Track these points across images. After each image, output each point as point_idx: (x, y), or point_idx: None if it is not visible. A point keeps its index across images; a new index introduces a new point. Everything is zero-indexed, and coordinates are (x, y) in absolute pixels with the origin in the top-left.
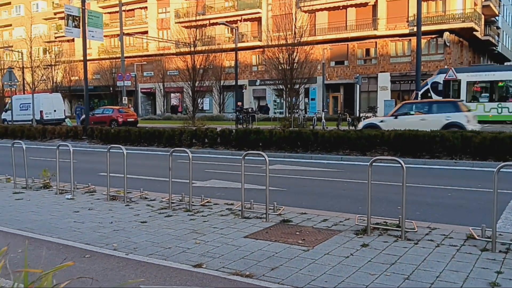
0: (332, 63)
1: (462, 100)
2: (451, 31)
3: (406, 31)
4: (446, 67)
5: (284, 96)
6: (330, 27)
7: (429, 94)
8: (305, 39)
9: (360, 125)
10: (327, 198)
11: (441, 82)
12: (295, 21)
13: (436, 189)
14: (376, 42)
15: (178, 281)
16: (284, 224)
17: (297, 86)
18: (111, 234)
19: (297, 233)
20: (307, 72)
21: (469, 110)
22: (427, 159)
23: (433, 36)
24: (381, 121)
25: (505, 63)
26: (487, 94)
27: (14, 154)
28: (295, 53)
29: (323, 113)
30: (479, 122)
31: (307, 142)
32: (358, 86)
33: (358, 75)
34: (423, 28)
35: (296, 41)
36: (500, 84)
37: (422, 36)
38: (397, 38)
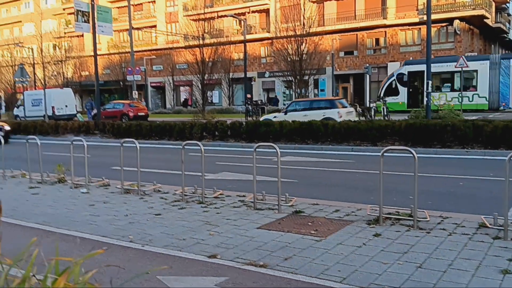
0: (342, 54)
1: (342, 99)
2: (462, 19)
3: (416, 19)
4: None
5: (294, 87)
6: (339, 17)
7: (393, 86)
8: (314, 30)
9: (261, 119)
10: (338, 189)
11: (406, 73)
12: (304, 12)
13: (447, 179)
14: (385, 32)
15: (194, 271)
16: (297, 215)
17: (306, 77)
18: (127, 226)
19: (310, 223)
20: (316, 63)
21: (344, 107)
22: (438, 149)
23: (443, 24)
24: (275, 117)
25: (468, 54)
26: (449, 84)
27: (28, 149)
28: (304, 44)
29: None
30: (441, 111)
31: (317, 133)
32: (368, 76)
33: (367, 65)
34: (433, 17)
35: (304, 32)
36: (460, 74)
37: (432, 25)
38: (407, 27)
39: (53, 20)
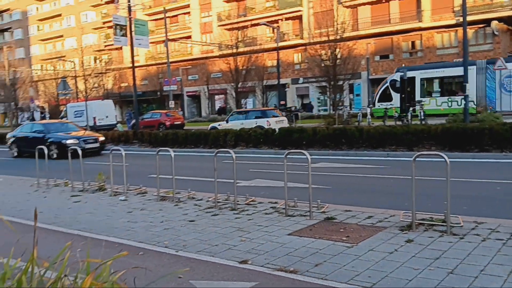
0: (377, 58)
1: (275, 109)
2: (499, 19)
3: (452, 21)
4: (494, 57)
5: (328, 93)
6: (373, 21)
7: (387, 92)
8: (348, 35)
9: (209, 128)
10: (372, 195)
11: (399, 79)
12: (337, 17)
13: (484, 183)
14: (421, 35)
15: (225, 276)
16: (328, 221)
17: (340, 82)
18: (162, 232)
19: (341, 230)
20: (351, 68)
21: (275, 116)
22: (475, 153)
23: (481, 25)
24: (219, 125)
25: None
26: (439, 89)
27: (70, 159)
28: (337, 49)
29: (369, 109)
30: (432, 115)
31: (351, 139)
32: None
33: (403, 68)
34: (470, 18)
35: (338, 37)
36: (449, 80)
37: (469, 26)
38: (443, 29)
39: (94, 34)
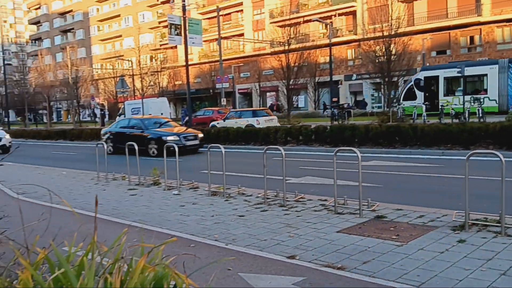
0: (433, 53)
1: (265, 110)
2: None
3: None
4: None
5: (382, 90)
6: (430, 16)
7: (413, 90)
8: (403, 30)
9: (210, 126)
10: (425, 194)
11: (423, 78)
12: (392, 12)
13: None
14: (480, 29)
15: (273, 270)
16: (378, 220)
17: (395, 79)
18: (213, 226)
19: (391, 228)
20: (406, 64)
21: (264, 116)
22: None
23: None
24: (218, 123)
25: (478, 59)
26: (461, 88)
27: (127, 154)
28: (392, 45)
29: (424, 106)
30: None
31: (405, 137)
32: (462, 75)
33: (461, 64)
34: None
35: (393, 33)
36: (471, 79)
37: None
38: (504, 24)
39: (150, 33)
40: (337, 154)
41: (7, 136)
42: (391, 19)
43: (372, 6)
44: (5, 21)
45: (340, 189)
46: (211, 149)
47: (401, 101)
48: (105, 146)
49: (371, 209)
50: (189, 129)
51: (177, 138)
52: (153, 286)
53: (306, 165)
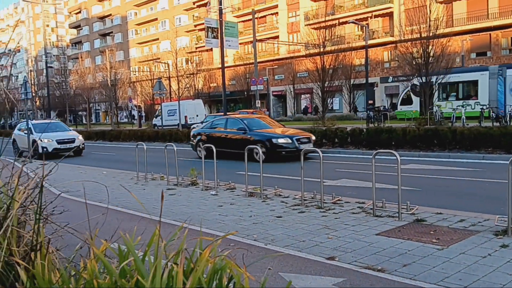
0: (473, 55)
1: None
2: None
3: None
4: None
5: (420, 92)
6: (469, 17)
7: (408, 96)
8: (441, 31)
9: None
10: (465, 198)
11: (418, 84)
12: (430, 13)
13: None
14: None
15: (313, 270)
16: (418, 223)
17: (433, 81)
18: (251, 226)
19: (431, 232)
20: (444, 66)
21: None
22: None
23: None
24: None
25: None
26: (455, 93)
27: (166, 155)
28: (430, 47)
29: (463, 109)
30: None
31: (444, 140)
32: (502, 78)
33: (502, 66)
34: None
35: (431, 34)
36: (464, 84)
37: None
38: None
39: (186, 36)
40: (375, 157)
41: (80, 137)
42: (429, 21)
43: (409, 7)
44: (47, 25)
45: (377, 192)
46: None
47: (398, 106)
48: (198, 150)
49: (410, 212)
50: (297, 131)
51: (290, 141)
52: (213, 277)
53: (342, 168)
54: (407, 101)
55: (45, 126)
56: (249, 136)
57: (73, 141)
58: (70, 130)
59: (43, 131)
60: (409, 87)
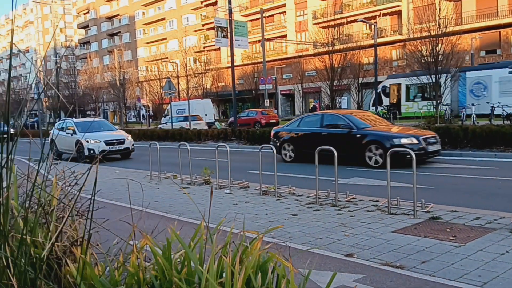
0: (482, 53)
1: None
2: None
3: None
4: None
5: (429, 91)
6: (479, 15)
7: (380, 96)
8: (451, 29)
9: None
10: (479, 196)
11: (388, 86)
12: (439, 11)
13: None
14: None
15: (332, 267)
16: (433, 221)
17: (442, 79)
18: (267, 224)
19: (448, 230)
20: (454, 64)
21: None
22: None
23: None
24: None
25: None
26: (420, 94)
27: (180, 154)
28: (439, 45)
29: (473, 107)
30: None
31: (455, 138)
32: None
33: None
34: None
35: (440, 32)
36: (428, 86)
37: None
38: None
39: (194, 36)
40: (389, 155)
41: (129, 137)
42: (439, 19)
43: (418, 6)
44: (56, 26)
45: (391, 190)
46: (262, 150)
47: (370, 106)
48: (284, 153)
49: (425, 210)
50: (420, 130)
51: (416, 142)
52: (259, 268)
53: (354, 167)
54: (379, 101)
55: (88, 125)
56: (358, 135)
57: (122, 142)
58: (116, 129)
59: (86, 131)
60: (380, 88)
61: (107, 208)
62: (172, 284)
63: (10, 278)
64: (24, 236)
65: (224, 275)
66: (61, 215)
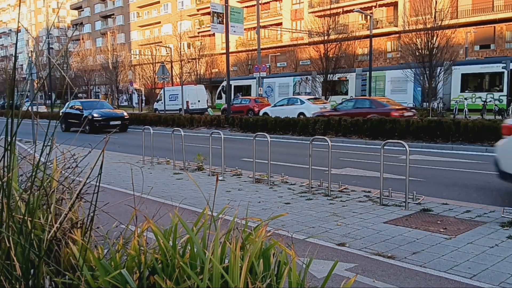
0: (476, 47)
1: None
2: None
3: None
4: None
5: (422, 83)
6: (474, 9)
7: (221, 92)
8: (446, 23)
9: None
10: (470, 190)
11: (225, 86)
12: (435, 4)
13: None
14: None
15: (325, 256)
16: (424, 213)
17: (437, 72)
18: (261, 212)
19: (438, 222)
20: (448, 58)
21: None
22: None
23: None
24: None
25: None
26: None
27: (173, 140)
28: (434, 38)
29: (466, 101)
30: None
31: (447, 132)
32: (506, 72)
33: (506, 59)
34: None
35: (436, 25)
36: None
37: None
38: None
39: (188, 20)
40: (375, 146)
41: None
42: (435, 11)
43: None
44: (49, 6)
45: (383, 182)
46: (255, 138)
47: (216, 100)
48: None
49: (416, 202)
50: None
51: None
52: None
53: (346, 157)
54: (220, 96)
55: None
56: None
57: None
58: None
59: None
60: (221, 87)
61: (100, 191)
62: (174, 267)
63: (12, 259)
64: (26, 218)
65: (228, 260)
66: (60, 197)
